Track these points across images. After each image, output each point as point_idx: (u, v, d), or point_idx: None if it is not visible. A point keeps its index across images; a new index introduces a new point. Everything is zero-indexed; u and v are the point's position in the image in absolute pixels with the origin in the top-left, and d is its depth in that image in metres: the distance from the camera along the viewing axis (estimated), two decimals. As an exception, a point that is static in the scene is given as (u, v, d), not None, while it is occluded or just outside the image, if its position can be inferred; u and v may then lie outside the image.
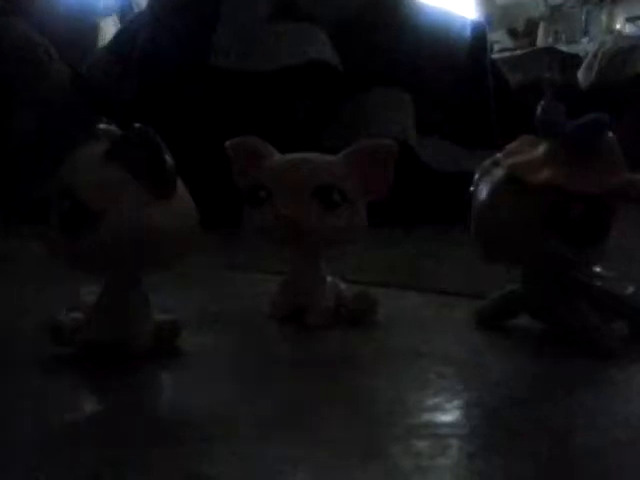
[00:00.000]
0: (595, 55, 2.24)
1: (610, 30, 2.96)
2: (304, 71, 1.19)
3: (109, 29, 1.55)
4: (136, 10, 1.62)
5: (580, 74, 2.25)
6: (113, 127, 0.33)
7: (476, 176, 0.40)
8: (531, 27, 3.23)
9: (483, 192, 0.38)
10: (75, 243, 0.31)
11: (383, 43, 1.39)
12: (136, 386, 0.32)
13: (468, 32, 1.50)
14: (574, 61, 2.53)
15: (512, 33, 3.27)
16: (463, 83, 1.45)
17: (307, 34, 1.19)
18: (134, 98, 1.03)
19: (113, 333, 0.34)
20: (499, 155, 0.39)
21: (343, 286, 0.46)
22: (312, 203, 0.41)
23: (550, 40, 3.05)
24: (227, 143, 0.44)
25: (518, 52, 2.86)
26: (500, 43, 3.22)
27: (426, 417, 0.27)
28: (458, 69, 1.45)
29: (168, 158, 0.32)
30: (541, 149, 0.37)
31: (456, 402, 0.29)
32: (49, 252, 0.33)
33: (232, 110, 1.08)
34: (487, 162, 0.40)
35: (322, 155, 0.43)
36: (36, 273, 0.54)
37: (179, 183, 0.33)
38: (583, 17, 3.24)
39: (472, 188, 0.40)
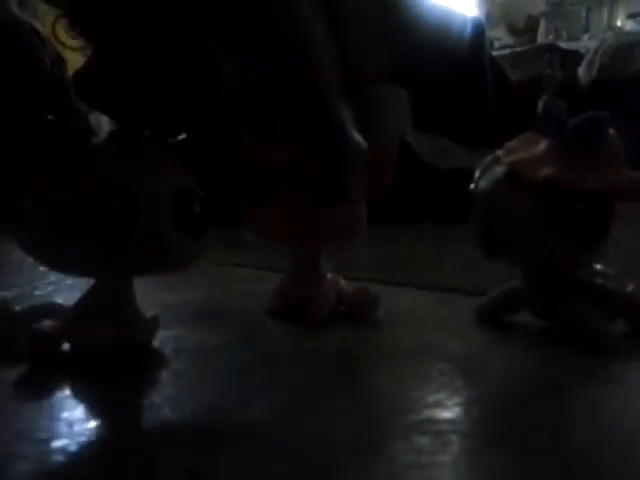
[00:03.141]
0: (596, 52, 2.23)
1: (611, 27, 2.95)
2: None
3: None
4: None
5: (581, 71, 2.25)
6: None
7: (477, 173, 0.40)
8: (532, 24, 3.22)
9: (484, 189, 0.38)
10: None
11: (381, 39, 1.39)
12: (139, 385, 0.32)
13: (467, 29, 1.50)
14: (575, 58, 2.53)
15: (513, 30, 3.26)
16: (461, 80, 1.45)
17: None
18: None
19: (116, 334, 0.34)
20: (500, 152, 0.39)
21: (343, 282, 0.46)
22: (315, 200, 0.41)
23: (551, 37, 3.05)
24: None
25: (519, 49, 2.86)
26: (500, 40, 3.21)
27: (427, 413, 0.27)
28: (456, 66, 1.44)
29: None
30: (542, 146, 0.37)
31: (457, 399, 0.29)
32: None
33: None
34: (488, 159, 0.40)
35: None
36: None
37: None
38: (584, 14, 3.24)
39: (473, 185, 0.40)
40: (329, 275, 0.45)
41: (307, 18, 0.34)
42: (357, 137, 0.38)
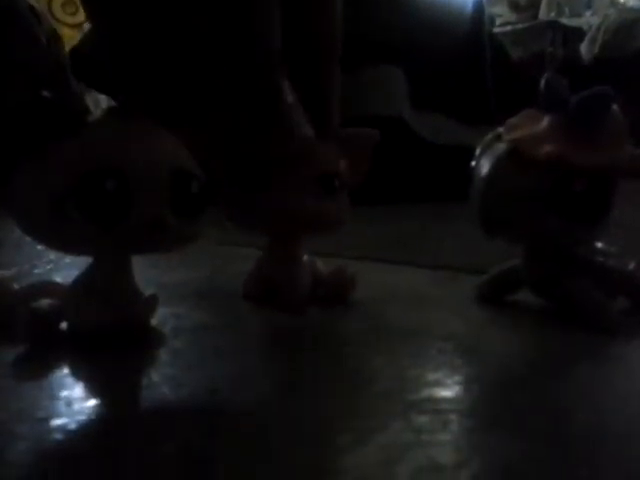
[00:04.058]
0: (598, 28, 2.21)
1: (614, 3, 2.92)
2: None
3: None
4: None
5: (583, 48, 2.23)
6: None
7: (477, 150, 0.39)
8: (533, 0, 3.19)
9: (484, 166, 0.38)
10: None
11: (376, 18, 1.37)
12: (138, 364, 0.32)
13: (467, 6, 1.48)
14: (577, 35, 2.50)
15: (514, 6, 3.23)
16: (460, 58, 1.44)
17: None
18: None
19: (115, 313, 0.33)
20: (501, 129, 0.39)
21: (320, 264, 0.45)
22: (316, 190, 0.40)
23: (553, 14, 3.01)
24: None
25: (520, 26, 2.83)
26: (502, 17, 3.17)
27: (426, 393, 0.27)
28: (455, 43, 1.43)
29: None
30: (544, 123, 0.37)
31: (456, 377, 0.29)
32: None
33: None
34: (489, 136, 0.39)
35: (317, 140, 0.42)
36: None
37: None
38: (587, -10, 3.20)
39: (473, 163, 0.39)
40: (305, 256, 0.43)
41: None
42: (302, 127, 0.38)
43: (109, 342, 0.33)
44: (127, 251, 0.34)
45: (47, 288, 0.37)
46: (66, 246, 0.33)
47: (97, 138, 0.31)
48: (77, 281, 0.34)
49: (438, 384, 0.28)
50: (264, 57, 0.37)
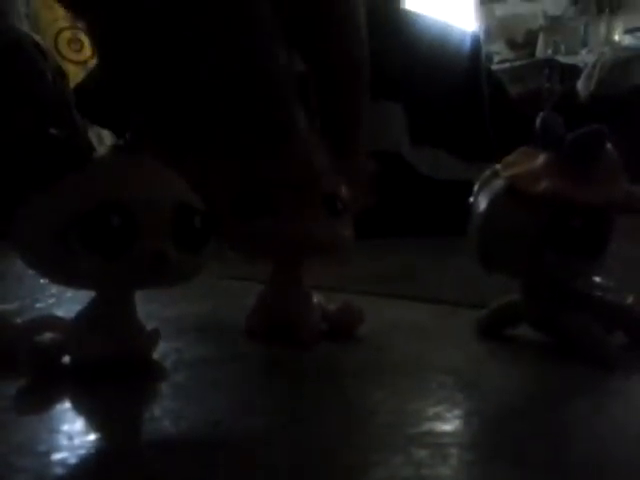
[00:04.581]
0: (594, 66, 2.25)
1: (609, 41, 2.97)
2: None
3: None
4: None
5: (579, 85, 2.27)
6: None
7: (476, 186, 0.40)
8: (530, 38, 3.25)
9: (482, 203, 0.38)
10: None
11: (376, 55, 1.40)
12: (139, 398, 0.32)
13: (465, 43, 1.51)
14: (573, 72, 2.55)
15: (511, 44, 3.29)
16: (458, 94, 1.46)
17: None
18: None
19: (118, 346, 0.34)
20: (498, 166, 0.39)
21: (322, 299, 0.44)
22: (321, 213, 0.40)
23: (549, 51, 3.07)
24: None
25: (518, 63, 2.88)
26: (500, 54, 3.23)
27: (427, 426, 0.27)
28: (453, 80, 1.45)
29: None
30: (540, 160, 0.38)
31: (456, 411, 0.29)
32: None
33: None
34: (487, 173, 0.40)
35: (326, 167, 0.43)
36: None
37: None
38: (582, 28, 3.26)
39: (472, 199, 0.40)
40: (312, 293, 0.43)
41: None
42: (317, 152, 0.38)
43: (111, 376, 0.33)
44: (130, 284, 0.34)
45: (49, 322, 0.37)
46: (68, 279, 0.33)
47: (100, 173, 0.32)
48: (80, 315, 0.35)
49: (438, 418, 0.28)
50: (273, 86, 0.36)
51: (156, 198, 0.32)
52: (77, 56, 2.59)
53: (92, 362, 0.34)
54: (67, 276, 0.32)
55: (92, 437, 0.27)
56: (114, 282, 0.33)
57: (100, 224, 0.30)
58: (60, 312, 0.42)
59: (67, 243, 0.30)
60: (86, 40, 2.26)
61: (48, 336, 0.34)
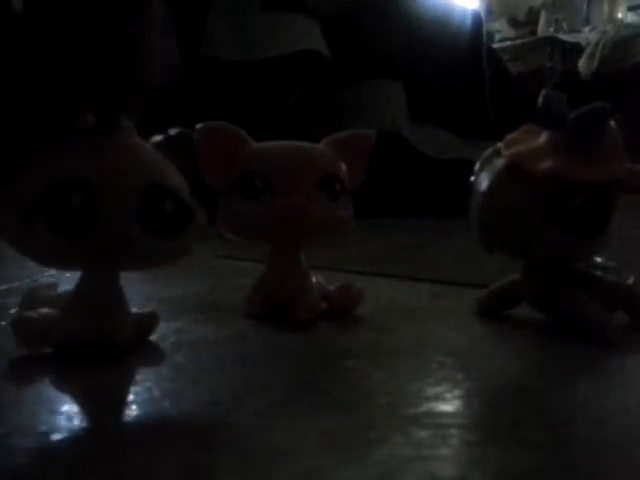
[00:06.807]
0: (597, 44, 2.23)
1: (612, 19, 2.94)
2: (294, 61, 1.19)
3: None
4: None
5: (581, 63, 2.25)
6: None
7: (477, 165, 0.40)
8: (532, 16, 3.21)
9: (484, 182, 0.38)
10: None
11: (376, 34, 1.38)
12: (139, 379, 0.32)
13: (466, 22, 1.50)
14: (575, 50, 2.52)
15: (513, 22, 3.25)
16: (459, 73, 1.45)
17: (300, 24, 1.19)
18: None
19: (98, 328, 0.33)
20: (500, 144, 0.39)
21: (322, 279, 0.45)
22: (319, 194, 0.40)
23: (551, 29, 3.03)
24: (197, 127, 0.40)
25: (519, 41, 2.85)
26: (501, 32, 3.20)
27: (427, 407, 0.27)
28: (454, 58, 1.44)
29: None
30: (542, 139, 0.37)
31: (457, 392, 0.29)
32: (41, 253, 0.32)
33: (221, 99, 1.07)
34: (488, 151, 0.39)
35: (314, 144, 0.43)
36: None
37: None
38: (585, 6, 3.22)
39: (472, 178, 0.40)
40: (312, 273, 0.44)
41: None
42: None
43: (110, 357, 0.33)
44: (97, 266, 0.33)
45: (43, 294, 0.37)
46: (38, 259, 0.32)
47: (68, 153, 0.31)
48: (66, 294, 0.34)
49: (438, 398, 0.28)
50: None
51: (123, 179, 0.30)
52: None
53: (72, 341, 0.33)
54: (36, 255, 0.32)
55: (92, 418, 0.27)
56: (78, 263, 0.32)
57: (61, 203, 0.29)
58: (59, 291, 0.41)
59: (32, 222, 0.29)
60: None
61: (42, 312, 0.34)
